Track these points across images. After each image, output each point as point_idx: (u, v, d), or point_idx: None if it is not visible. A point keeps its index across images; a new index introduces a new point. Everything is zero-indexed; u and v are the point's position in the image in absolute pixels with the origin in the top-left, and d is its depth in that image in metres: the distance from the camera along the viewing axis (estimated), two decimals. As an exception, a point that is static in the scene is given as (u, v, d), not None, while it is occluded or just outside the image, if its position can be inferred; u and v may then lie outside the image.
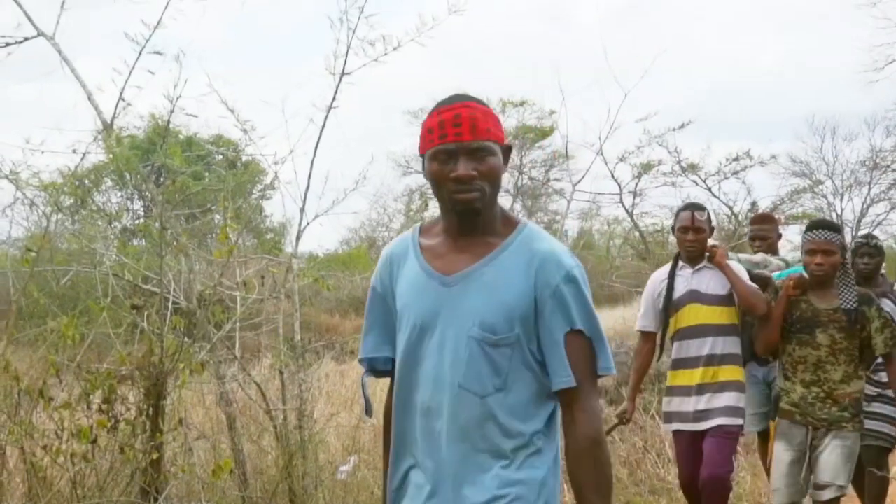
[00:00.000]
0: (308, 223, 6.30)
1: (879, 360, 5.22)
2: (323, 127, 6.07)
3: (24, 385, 5.04)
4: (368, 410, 2.95)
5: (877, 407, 5.66)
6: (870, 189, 29.75)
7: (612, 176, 19.37)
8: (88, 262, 6.07)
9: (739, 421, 5.39)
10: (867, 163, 29.01)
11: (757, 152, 23.39)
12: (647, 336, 5.73)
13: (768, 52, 53.65)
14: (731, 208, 22.04)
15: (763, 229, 6.49)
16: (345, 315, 23.14)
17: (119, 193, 25.18)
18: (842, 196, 30.66)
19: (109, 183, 22.23)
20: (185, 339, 5.47)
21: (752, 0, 54.40)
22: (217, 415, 6.39)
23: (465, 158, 2.48)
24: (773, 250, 6.36)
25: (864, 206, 30.27)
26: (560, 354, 2.49)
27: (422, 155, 2.58)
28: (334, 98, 6.07)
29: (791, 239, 13.43)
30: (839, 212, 30.37)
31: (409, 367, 2.61)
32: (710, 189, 22.93)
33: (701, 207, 5.63)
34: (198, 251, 6.79)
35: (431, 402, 2.54)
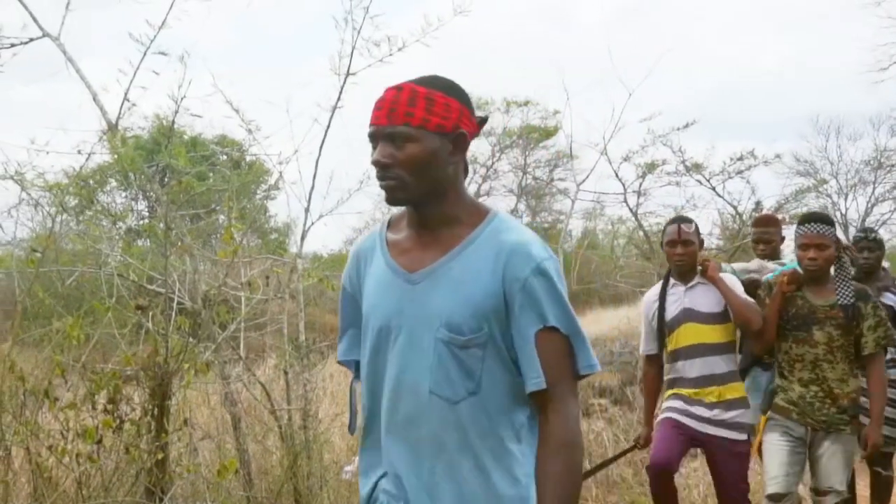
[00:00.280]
0: (312, 223, 6.31)
1: (889, 357, 5.14)
2: (328, 127, 6.08)
3: (29, 385, 5.04)
4: (352, 426, 2.71)
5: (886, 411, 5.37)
6: (874, 188, 29.82)
7: (617, 176, 19.25)
8: (93, 262, 6.08)
9: (745, 436, 5.18)
10: (872, 162, 29.07)
11: (761, 152, 23.27)
12: (651, 359, 5.56)
13: (772, 51, 53.63)
14: (735, 208, 21.92)
15: (767, 232, 6.28)
16: (349, 315, 23.11)
17: (123, 194, 25.21)
18: (846, 195, 30.72)
19: (114, 183, 22.26)
20: (190, 339, 5.46)
21: (756, -1, 54.30)
22: (222, 415, 6.39)
23: (383, 144, 2.34)
24: (776, 253, 6.20)
25: (869, 205, 30.32)
26: (530, 354, 2.31)
27: None
28: (339, 98, 6.07)
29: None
30: (843, 211, 30.41)
31: (375, 372, 2.45)
32: (714, 189, 22.82)
33: (688, 220, 5.46)
34: (202, 251, 6.79)
35: (401, 410, 2.38)
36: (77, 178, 6.09)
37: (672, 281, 5.41)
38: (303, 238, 6.41)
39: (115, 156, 5.98)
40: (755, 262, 5.91)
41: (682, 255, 5.31)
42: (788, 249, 6.35)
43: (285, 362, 6.21)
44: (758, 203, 22.51)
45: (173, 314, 5.52)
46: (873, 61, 21.95)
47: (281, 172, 6.20)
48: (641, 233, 22.14)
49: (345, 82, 6.05)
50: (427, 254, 2.40)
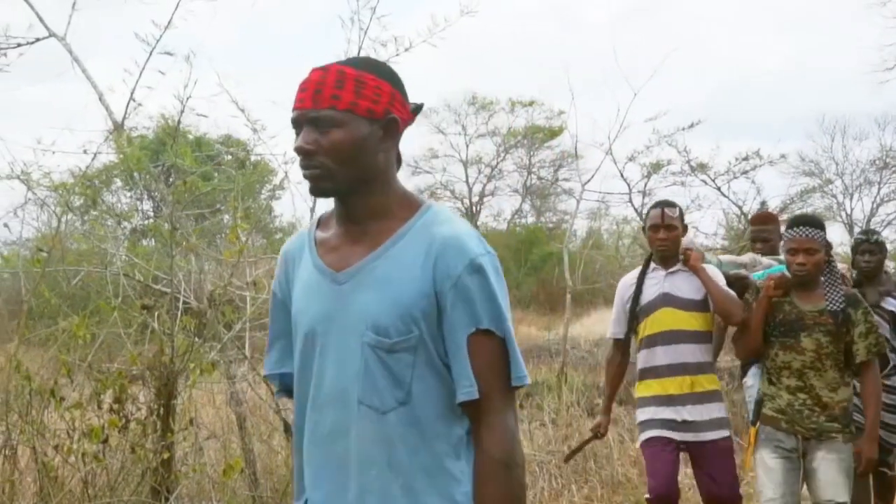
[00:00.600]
0: (318, 223, 6.29)
1: (891, 364, 5.00)
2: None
3: (35, 385, 5.05)
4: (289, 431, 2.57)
5: (884, 417, 5.20)
6: (879, 188, 29.75)
7: (622, 175, 19.29)
8: (99, 262, 6.08)
9: (728, 433, 5.05)
10: (877, 162, 29.01)
11: (766, 152, 23.30)
12: (619, 344, 5.34)
13: (778, 51, 53.58)
14: (740, 208, 21.92)
15: (765, 230, 6.13)
16: (354, 315, 23.14)
17: (129, 194, 25.24)
18: (851, 195, 30.65)
19: (119, 183, 22.27)
20: (196, 339, 5.48)
21: (761, -1, 54.27)
22: (227, 414, 6.40)
23: (307, 129, 2.13)
24: (774, 252, 5.95)
25: (874, 205, 30.26)
26: (462, 360, 2.09)
27: None
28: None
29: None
30: (849, 211, 30.37)
31: (304, 382, 2.24)
32: (719, 189, 22.84)
33: (672, 204, 5.27)
34: (207, 251, 6.80)
35: (328, 423, 2.17)
36: (83, 177, 6.10)
37: (653, 265, 5.23)
38: (308, 238, 6.39)
39: (121, 155, 5.99)
40: (748, 256, 5.76)
41: (664, 239, 5.13)
42: None
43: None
44: (763, 203, 22.50)
45: (179, 314, 5.53)
46: (879, 61, 21.84)
47: (286, 172, 6.20)
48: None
49: (350, 82, 6.04)
50: (354, 251, 2.19)
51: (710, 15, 54.13)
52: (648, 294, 5.13)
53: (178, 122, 6.14)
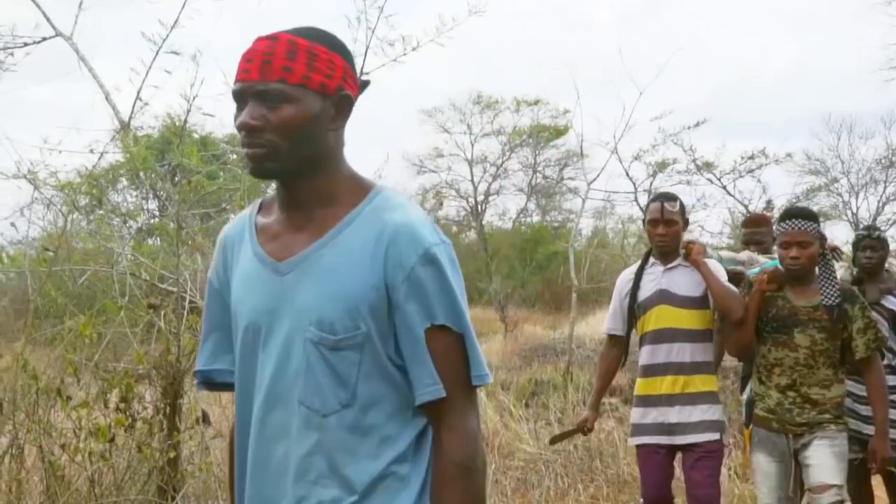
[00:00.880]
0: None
1: (885, 363, 4.81)
2: (340, 126, 6.06)
3: (42, 384, 5.06)
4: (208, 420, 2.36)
5: (865, 410, 4.99)
6: (885, 187, 29.65)
7: (627, 174, 19.35)
8: (105, 261, 6.09)
9: (717, 436, 4.83)
10: (883, 161, 28.90)
11: (772, 150, 23.36)
12: (613, 340, 5.21)
13: (784, 49, 53.48)
14: (746, 207, 21.97)
15: (758, 233, 6.01)
16: (359, 314, 23.15)
17: (134, 193, 25.27)
18: (857, 194, 30.55)
19: (125, 182, 22.31)
20: (202, 337, 5.47)
21: (766, -2, 54.19)
22: (233, 413, 6.40)
23: (253, 103, 1.94)
24: (767, 254, 5.80)
25: (880, 203, 30.16)
26: (421, 357, 1.93)
27: None
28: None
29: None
30: (855, 210, 30.30)
31: (247, 378, 2.08)
32: (724, 187, 22.91)
33: (672, 198, 5.07)
34: (213, 250, 6.80)
35: (269, 425, 2.01)
36: (89, 177, 6.11)
37: (651, 260, 5.07)
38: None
39: (127, 155, 6.00)
40: (745, 254, 5.64)
41: (663, 235, 4.95)
42: None
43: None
44: (769, 202, 22.53)
45: (185, 313, 5.54)
46: (885, 59, 21.83)
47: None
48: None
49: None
50: (298, 239, 2.02)
51: (714, 14, 54.03)
52: (646, 290, 4.99)
53: (185, 121, 6.14)
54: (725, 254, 5.58)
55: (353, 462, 1.94)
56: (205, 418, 5.62)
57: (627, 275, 5.16)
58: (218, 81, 5.87)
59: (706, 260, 4.91)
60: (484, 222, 30.00)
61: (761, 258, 5.51)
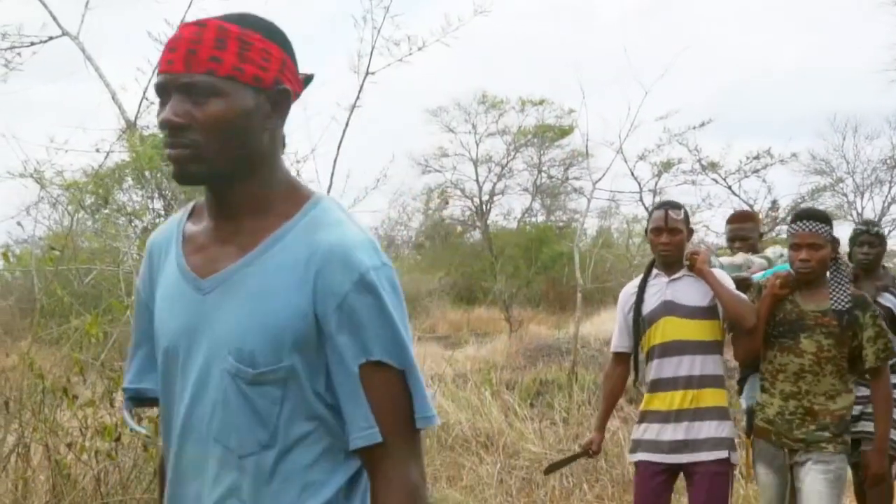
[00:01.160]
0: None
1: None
2: (346, 126, 6.09)
3: (48, 383, 5.07)
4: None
5: (867, 426, 4.86)
6: (891, 187, 29.62)
7: (632, 174, 19.37)
8: (111, 260, 6.10)
9: (725, 454, 4.60)
10: (888, 161, 28.87)
11: (777, 150, 23.34)
12: (619, 357, 5.00)
13: (789, 50, 53.37)
14: (751, 207, 21.93)
15: (743, 228, 5.78)
16: (364, 313, 23.18)
17: (139, 192, 25.30)
18: (862, 194, 30.52)
19: (130, 182, 22.38)
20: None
21: (772, -2, 54.13)
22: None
23: (177, 98, 1.71)
24: (753, 251, 5.67)
25: (885, 204, 30.13)
26: (356, 396, 1.69)
27: None
28: (358, 97, 6.09)
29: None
30: (860, 210, 30.26)
31: (166, 404, 1.87)
32: (730, 187, 22.90)
33: (677, 206, 4.88)
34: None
35: (187, 460, 1.80)
36: (95, 176, 6.12)
37: (655, 272, 4.87)
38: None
39: (133, 154, 6.01)
40: (740, 257, 5.46)
41: (667, 244, 4.75)
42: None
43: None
44: (774, 202, 22.52)
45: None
46: (890, 59, 21.81)
47: (298, 171, 6.21)
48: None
49: (364, 81, 6.06)
50: (224, 253, 1.78)
51: (719, 14, 53.94)
52: (650, 303, 4.78)
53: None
54: (724, 259, 5.42)
55: None
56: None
57: (630, 288, 4.97)
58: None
59: (712, 269, 4.76)
60: (489, 222, 29.95)
61: (756, 259, 5.41)
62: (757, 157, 22.51)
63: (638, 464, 4.78)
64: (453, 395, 9.83)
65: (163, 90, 1.73)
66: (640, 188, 19.84)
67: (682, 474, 4.74)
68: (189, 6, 5.69)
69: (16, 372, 5.21)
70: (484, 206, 29.88)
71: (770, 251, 5.61)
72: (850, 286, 4.44)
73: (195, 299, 1.77)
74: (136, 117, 5.78)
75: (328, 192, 6.14)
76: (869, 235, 5.39)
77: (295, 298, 1.69)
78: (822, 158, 29.41)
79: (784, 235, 4.99)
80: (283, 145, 1.87)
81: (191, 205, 1.94)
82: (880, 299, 5.19)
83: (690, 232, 4.94)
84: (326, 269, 1.68)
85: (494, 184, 29.89)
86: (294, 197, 1.80)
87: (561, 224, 31.22)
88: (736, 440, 4.74)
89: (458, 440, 8.42)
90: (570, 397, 9.73)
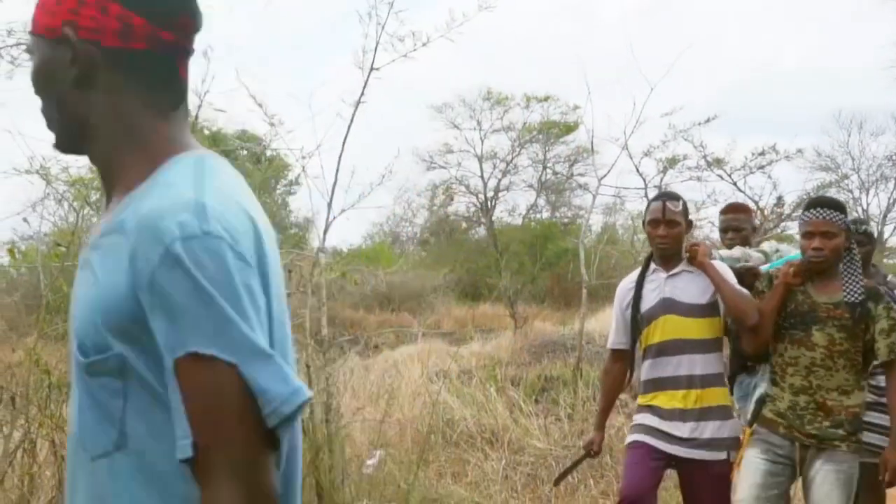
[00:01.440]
0: (335, 217, 6.32)
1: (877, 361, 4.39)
2: (351, 122, 6.09)
3: (54, 379, 5.08)
4: None
5: (874, 417, 4.65)
6: (896, 184, 29.60)
7: (637, 171, 19.35)
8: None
9: (725, 454, 4.47)
10: (894, 157, 28.86)
11: (783, 147, 23.34)
12: (617, 354, 4.86)
13: (794, 46, 53.32)
14: (756, 203, 21.90)
15: (737, 219, 5.63)
16: (369, 310, 23.25)
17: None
18: (868, 191, 30.52)
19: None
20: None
21: (777, -7, 54.02)
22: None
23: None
24: (746, 244, 5.55)
25: (890, 200, 30.13)
26: (175, 398, 1.39)
27: None
28: (363, 93, 6.09)
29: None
30: (865, 206, 30.24)
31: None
32: (735, 184, 22.85)
33: (675, 197, 4.71)
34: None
35: (68, 460, 1.58)
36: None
37: (653, 266, 4.72)
38: (325, 232, 6.42)
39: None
40: (738, 250, 5.32)
41: (664, 236, 4.60)
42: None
43: (307, 356, 6.23)
44: (779, 198, 22.49)
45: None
46: (895, 56, 21.76)
47: (304, 167, 6.21)
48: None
49: (369, 77, 6.07)
50: (94, 232, 1.59)
51: (725, 10, 53.91)
52: (648, 300, 4.64)
53: (196, 117, 6.15)
54: (723, 252, 5.31)
55: None
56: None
57: (627, 284, 4.82)
58: (228, 77, 5.89)
59: (713, 262, 4.60)
60: (494, 218, 29.95)
61: (753, 253, 5.30)
62: (762, 154, 22.48)
63: (635, 444, 4.59)
64: (458, 391, 9.84)
65: None
66: (646, 184, 19.81)
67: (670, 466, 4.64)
68: (195, 2, 5.66)
69: (22, 368, 5.22)
70: (489, 203, 29.88)
71: (766, 246, 5.53)
72: (863, 278, 4.29)
73: (76, 283, 1.59)
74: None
75: (333, 187, 6.14)
76: (857, 234, 5.17)
77: (117, 278, 1.43)
78: (827, 155, 29.46)
79: (789, 231, 4.76)
80: (167, 105, 1.60)
81: None
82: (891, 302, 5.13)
83: (689, 224, 4.77)
84: (139, 241, 1.40)
85: (499, 180, 29.89)
86: (150, 163, 1.54)
87: (566, 220, 31.23)
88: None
89: (463, 436, 8.43)
90: (574, 393, 9.74)
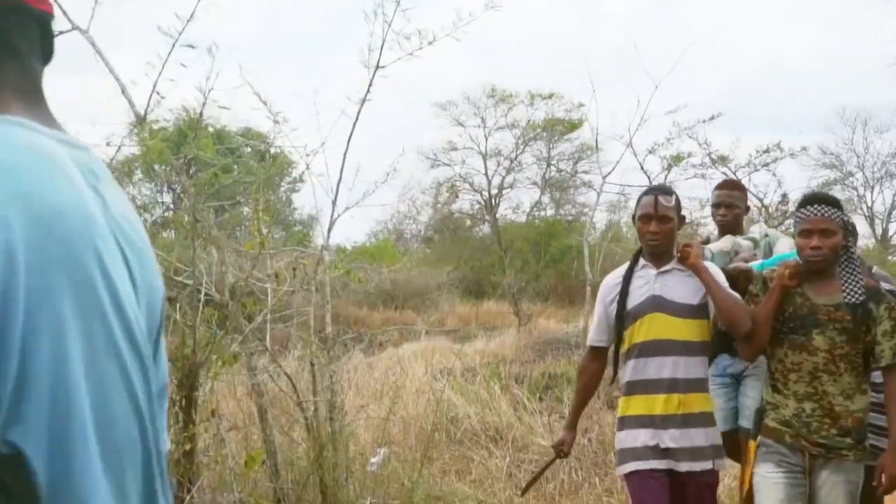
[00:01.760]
0: (339, 215, 6.32)
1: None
2: (356, 120, 6.09)
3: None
4: None
5: (872, 418, 4.35)
6: (901, 181, 29.57)
7: (642, 168, 19.30)
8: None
9: (711, 464, 4.29)
10: (899, 155, 28.81)
11: (787, 144, 23.35)
12: (596, 352, 4.67)
13: (799, 43, 53.24)
14: (761, 200, 21.88)
15: (731, 196, 5.52)
16: (373, 307, 23.27)
17: (149, 186, 25.34)
18: (872, 188, 30.50)
19: (140, 175, 22.40)
20: (218, 330, 5.50)
21: (782, -9, 53.94)
22: (248, 406, 6.43)
23: None
24: (737, 222, 5.49)
25: (895, 197, 30.06)
26: None
27: None
28: (368, 91, 6.09)
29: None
30: (870, 203, 30.21)
31: None
32: (739, 181, 22.89)
33: (668, 191, 4.51)
34: (229, 243, 6.83)
35: None
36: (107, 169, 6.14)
37: (642, 262, 4.52)
38: (330, 229, 6.42)
39: (143, 148, 6.02)
40: (727, 241, 5.24)
41: (656, 232, 4.40)
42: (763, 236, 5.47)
43: (311, 354, 6.23)
44: (784, 196, 22.46)
45: (201, 306, 5.56)
46: (900, 53, 21.71)
47: (308, 164, 6.21)
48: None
49: (374, 75, 6.07)
50: None
51: (729, 7, 53.83)
52: (636, 296, 4.44)
53: (201, 114, 6.16)
54: (713, 246, 5.19)
55: None
56: None
57: (613, 279, 4.63)
58: (232, 74, 5.90)
59: (706, 264, 4.44)
60: (498, 216, 29.97)
61: (743, 242, 5.23)
62: (767, 151, 22.43)
63: (631, 474, 4.36)
64: (462, 388, 9.84)
65: None
66: (650, 182, 19.75)
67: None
68: (199, 0, 5.67)
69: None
70: (493, 200, 29.89)
71: (756, 231, 5.48)
72: (863, 277, 4.10)
73: None
74: (147, 111, 5.77)
75: (338, 185, 6.14)
76: None
77: None
78: (831, 152, 29.43)
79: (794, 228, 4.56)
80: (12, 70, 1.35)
81: None
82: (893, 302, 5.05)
83: (682, 220, 4.57)
84: None
85: (503, 177, 29.91)
86: None
87: (570, 218, 31.24)
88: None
89: (468, 434, 8.43)
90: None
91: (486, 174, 29.63)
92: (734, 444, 5.06)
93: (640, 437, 4.31)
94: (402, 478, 6.38)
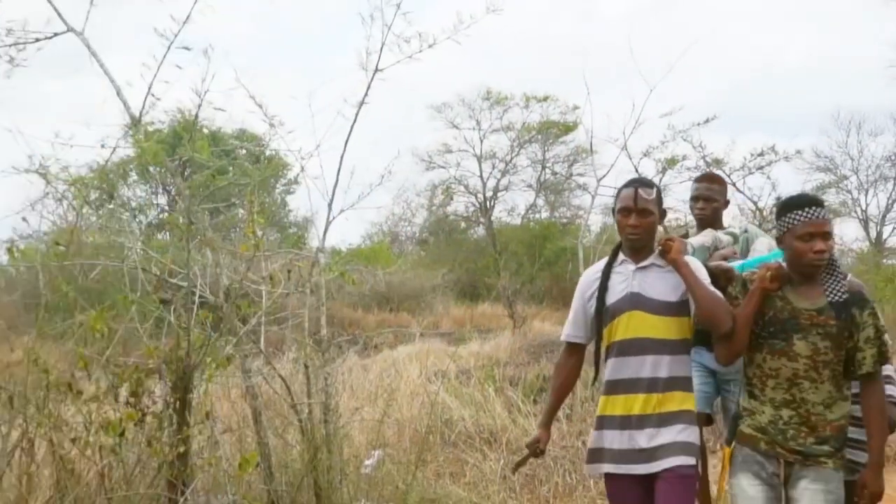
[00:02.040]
0: (334, 217, 6.32)
1: None
2: (354, 122, 6.08)
3: (52, 378, 5.07)
4: None
5: (851, 432, 4.08)
6: (895, 184, 29.62)
7: (637, 171, 19.35)
8: (115, 256, 6.11)
9: (693, 461, 4.12)
10: (893, 158, 28.90)
11: (782, 147, 23.37)
12: (572, 348, 4.52)
13: (794, 46, 53.34)
14: (755, 203, 21.94)
15: (710, 189, 5.46)
16: (367, 309, 23.27)
17: (144, 187, 25.33)
18: (867, 191, 30.54)
19: (135, 177, 22.39)
20: (212, 333, 5.49)
21: (777, -6, 54.05)
22: (243, 408, 6.42)
23: None
24: (716, 216, 5.45)
25: (889, 201, 30.15)
26: None
27: None
28: (366, 94, 6.08)
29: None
30: (864, 207, 30.26)
31: None
32: (734, 184, 22.88)
33: (649, 184, 4.34)
34: (224, 245, 6.82)
35: None
36: (100, 172, 6.13)
37: (621, 257, 4.37)
38: (325, 232, 6.42)
39: (138, 150, 6.02)
40: (708, 234, 5.13)
41: (636, 226, 4.25)
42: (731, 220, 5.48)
43: (305, 356, 6.22)
44: (778, 199, 22.51)
45: (195, 308, 5.55)
46: (894, 56, 21.76)
47: (303, 167, 6.21)
48: (661, 229, 22.13)
49: (373, 78, 6.06)
50: None
51: (725, 10, 53.91)
52: (614, 293, 4.30)
53: (196, 116, 6.15)
54: (693, 240, 5.07)
55: None
56: None
57: (592, 274, 4.48)
58: (228, 77, 5.89)
59: (687, 259, 4.29)
60: (493, 218, 30.00)
61: (723, 237, 5.15)
62: (761, 154, 22.56)
63: (608, 477, 4.29)
64: (457, 391, 9.84)
65: None
66: (645, 185, 19.88)
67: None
68: (195, 2, 5.67)
69: (20, 367, 5.22)
70: (488, 203, 29.92)
71: (736, 226, 5.44)
72: (844, 276, 3.98)
73: None
74: (142, 113, 5.77)
75: (334, 187, 6.13)
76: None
77: None
78: (826, 155, 29.46)
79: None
80: None
81: None
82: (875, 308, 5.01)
83: (663, 214, 4.42)
84: None
85: (498, 180, 29.94)
86: None
87: (564, 220, 31.28)
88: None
89: (462, 436, 8.43)
90: (573, 393, 9.73)
91: (481, 176, 29.68)
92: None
93: (617, 440, 4.22)
94: (397, 480, 6.37)
